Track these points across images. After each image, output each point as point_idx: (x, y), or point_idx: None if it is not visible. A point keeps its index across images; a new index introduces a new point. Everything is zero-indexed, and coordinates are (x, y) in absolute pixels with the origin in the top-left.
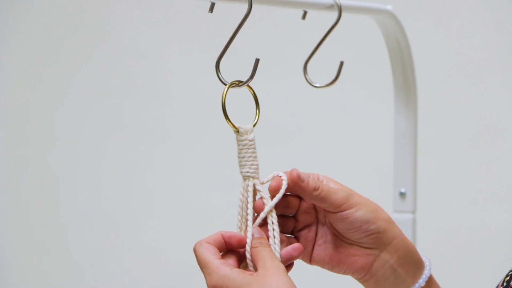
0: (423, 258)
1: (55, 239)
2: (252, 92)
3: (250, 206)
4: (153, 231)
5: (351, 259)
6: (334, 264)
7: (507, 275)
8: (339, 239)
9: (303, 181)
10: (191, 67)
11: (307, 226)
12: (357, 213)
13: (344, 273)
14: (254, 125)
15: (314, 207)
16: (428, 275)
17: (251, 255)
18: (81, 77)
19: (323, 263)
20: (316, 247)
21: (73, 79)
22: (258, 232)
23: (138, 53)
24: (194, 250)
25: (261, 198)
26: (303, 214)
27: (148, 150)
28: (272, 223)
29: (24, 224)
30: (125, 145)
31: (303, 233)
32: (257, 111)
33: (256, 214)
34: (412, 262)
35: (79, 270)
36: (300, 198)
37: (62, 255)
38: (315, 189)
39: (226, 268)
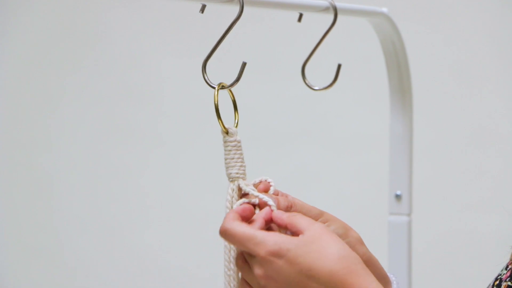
0: (390, 276)
1: (50, 243)
2: (231, 96)
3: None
4: (148, 234)
5: None
6: None
7: (496, 279)
8: None
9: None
10: (184, 71)
11: None
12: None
13: None
14: (235, 127)
15: None
16: None
17: (287, 222)
18: (74, 82)
19: None
20: None
21: (66, 84)
22: (280, 199)
23: (131, 57)
24: (226, 231)
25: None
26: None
27: (142, 153)
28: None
29: (18, 228)
30: (119, 149)
31: None
32: (236, 114)
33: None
34: (381, 278)
35: (74, 274)
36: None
37: (57, 259)
38: (288, 208)
39: (275, 234)
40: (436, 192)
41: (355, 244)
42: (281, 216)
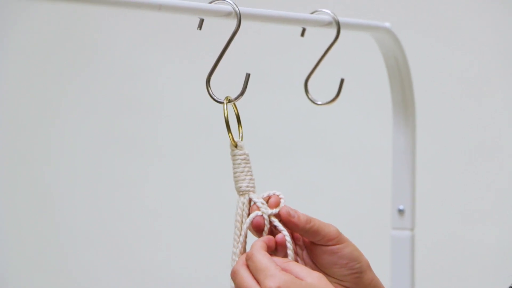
0: None
1: (50, 253)
2: (235, 109)
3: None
4: (150, 244)
5: None
6: None
7: None
8: None
9: (293, 217)
10: (184, 82)
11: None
12: (346, 249)
13: None
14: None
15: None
16: None
17: (281, 268)
18: (74, 94)
19: None
20: None
21: (66, 96)
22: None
23: (130, 67)
24: (252, 255)
25: (259, 209)
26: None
27: (143, 166)
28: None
29: (19, 238)
30: (119, 161)
31: None
32: (240, 127)
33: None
34: None
35: (75, 284)
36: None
37: (58, 270)
38: (307, 222)
39: (286, 274)
40: (439, 206)
41: (366, 269)
42: (275, 258)
